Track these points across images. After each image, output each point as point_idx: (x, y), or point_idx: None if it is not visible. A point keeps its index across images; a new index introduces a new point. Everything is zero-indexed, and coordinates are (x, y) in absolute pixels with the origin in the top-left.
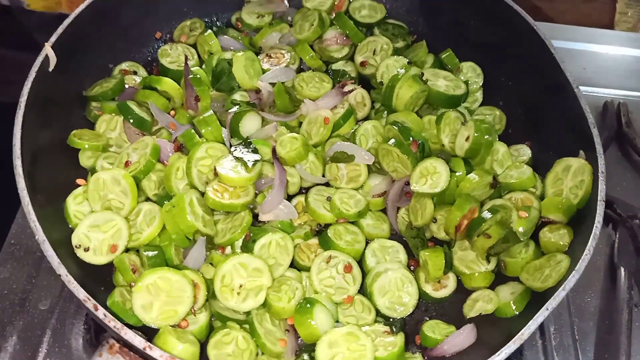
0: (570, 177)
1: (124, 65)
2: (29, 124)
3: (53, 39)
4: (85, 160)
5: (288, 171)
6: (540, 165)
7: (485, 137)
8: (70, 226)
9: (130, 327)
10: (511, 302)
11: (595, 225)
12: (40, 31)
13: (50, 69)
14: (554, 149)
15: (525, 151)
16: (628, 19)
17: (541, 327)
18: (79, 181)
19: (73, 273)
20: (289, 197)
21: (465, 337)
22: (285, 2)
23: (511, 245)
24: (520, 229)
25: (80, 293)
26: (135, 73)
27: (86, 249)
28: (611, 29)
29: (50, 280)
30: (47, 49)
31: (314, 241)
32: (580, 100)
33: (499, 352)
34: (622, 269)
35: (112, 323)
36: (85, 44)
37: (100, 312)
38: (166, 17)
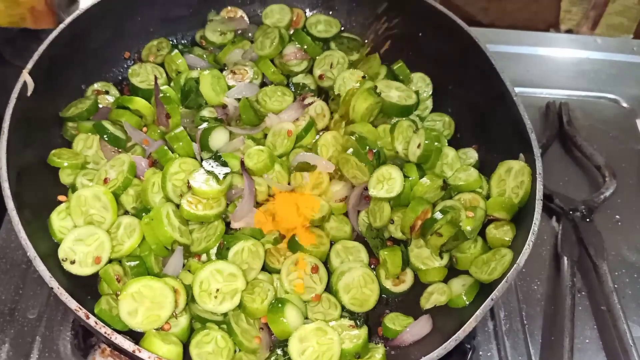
0: (512, 178)
1: (96, 86)
2: (12, 146)
3: (30, 65)
4: (65, 177)
5: (256, 181)
6: (487, 167)
7: (435, 144)
8: (55, 240)
9: (117, 332)
10: (462, 293)
11: (533, 222)
12: (6, 45)
13: (29, 94)
14: (498, 151)
15: (472, 154)
16: (572, 16)
17: (492, 314)
18: (61, 198)
19: (63, 285)
20: (258, 205)
21: (422, 326)
22: (246, 19)
23: (460, 242)
24: (468, 228)
25: (72, 304)
26: (107, 93)
27: (72, 262)
28: (557, 26)
29: (37, 290)
30: (25, 76)
31: (283, 245)
32: (519, 107)
33: (449, 340)
34: (565, 258)
35: (103, 329)
36: (59, 67)
37: (92, 320)
38: (133, 37)
